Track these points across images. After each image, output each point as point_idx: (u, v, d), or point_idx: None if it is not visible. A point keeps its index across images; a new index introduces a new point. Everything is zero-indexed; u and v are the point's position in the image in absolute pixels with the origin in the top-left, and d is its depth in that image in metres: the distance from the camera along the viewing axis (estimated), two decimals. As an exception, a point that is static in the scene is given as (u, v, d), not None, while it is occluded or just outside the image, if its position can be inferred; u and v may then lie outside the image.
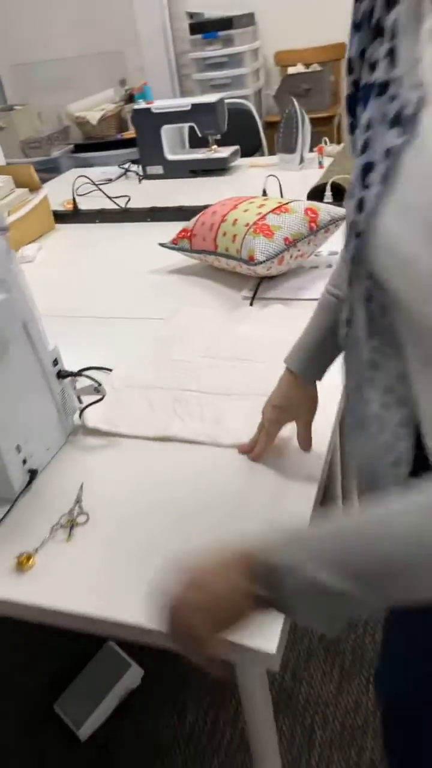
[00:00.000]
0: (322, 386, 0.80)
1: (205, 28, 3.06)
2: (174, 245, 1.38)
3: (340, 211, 1.24)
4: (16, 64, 3.78)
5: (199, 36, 3.08)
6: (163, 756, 1.15)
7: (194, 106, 2.03)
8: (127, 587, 0.65)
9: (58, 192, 2.14)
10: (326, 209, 1.23)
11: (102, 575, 0.67)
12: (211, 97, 2.05)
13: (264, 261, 1.16)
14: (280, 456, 0.80)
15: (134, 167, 2.33)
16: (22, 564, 0.69)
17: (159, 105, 2.08)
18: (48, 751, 1.17)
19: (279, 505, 0.73)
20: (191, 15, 3.17)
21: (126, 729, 1.20)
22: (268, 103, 3.43)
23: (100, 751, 1.17)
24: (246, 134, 2.71)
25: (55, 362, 0.86)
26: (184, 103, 2.05)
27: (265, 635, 0.58)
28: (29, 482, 0.80)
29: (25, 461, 0.80)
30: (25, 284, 0.79)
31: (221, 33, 3.05)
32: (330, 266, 1.29)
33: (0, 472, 0.78)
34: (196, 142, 2.66)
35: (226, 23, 3.03)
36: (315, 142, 2.14)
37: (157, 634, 0.60)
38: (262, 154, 2.61)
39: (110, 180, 2.24)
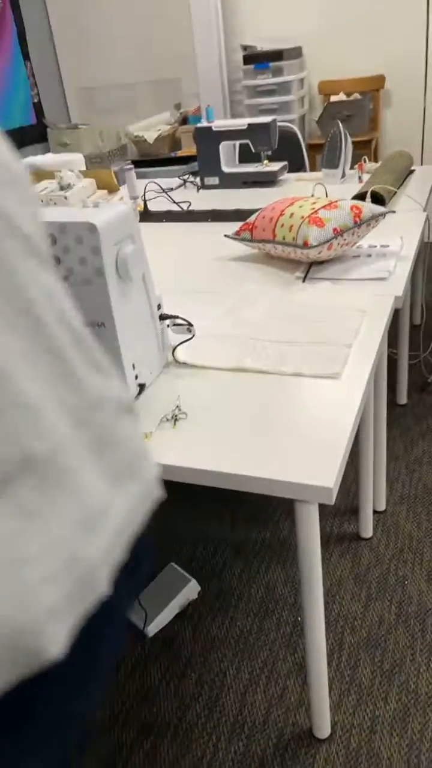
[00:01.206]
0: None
1: (257, 59, 3.39)
2: (237, 236, 1.65)
3: (380, 208, 1.50)
4: (81, 88, 4.16)
5: (251, 66, 3.41)
6: (216, 650, 1.38)
7: (250, 125, 2.32)
8: (225, 455, 0.90)
9: (125, 198, 2.44)
10: (369, 207, 1.49)
11: (204, 448, 0.92)
12: (265, 118, 2.34)
13: (316, 245, 1.42)
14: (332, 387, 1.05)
15: (192, 178, 2.63)
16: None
17: (219, 124, 2.38)
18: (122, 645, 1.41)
19: (321, 424, 0.97)
20: (245, 47, 3.51)
21: (185, 630, 1.43)
22: (310, 127, 3.74)
23: (164, 644, 1.40)
24: (291, 154, 3.00)
25: (159, 306, 1.12)
26: (242, 123, 2.34)
27: (323, 475, 0.83)
28: (139, 393, 1.06)
29: (136, 377, 1.06)
30: (143, 242, 1.06)
31: (272, 64, 3.37)
32: (369, 256, 1.54)
33: (121, 382, 1.04)
34: (244, 158, 2.97)
35: (277, 55, 3.35)
36: (354, 162, 2.41)
37: (248, 482, 0.85)
38: (306, 172, 2.89)
39: (171, 189, 2.54)
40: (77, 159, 2.23)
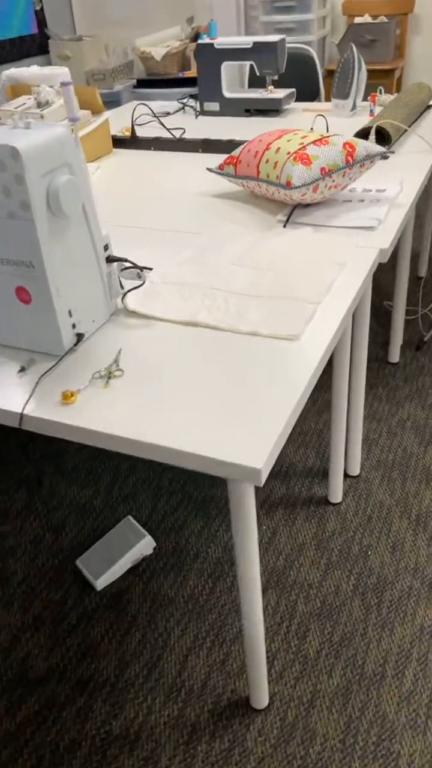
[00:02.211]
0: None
1: (276, -31, 3.07)
2: (221, 170, 1.50)
3: (377, 148, 1.34)
4: (88, -5, 3.84)
5: (269, -23, 3.10)
6: (164, 609, 1.33)
7: (255, 44, 2.10)
8: (152, 423, 0.81)
9: (118, 120, 2.26)
10: (364, 145, 1.33)
11: (131, 413, 0.83)
12: (273, 37, 2.11)
13: (299, 186, 1.27)
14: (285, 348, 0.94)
15: (192, 102, 2.43)
16: (67, 398, 0.85)
17: (222, 41, 2.16)
18: (68, 597, 1.37)
19: (267, 394, 0.87)
20: None
21: (136, 586, 1.39)
22: (331, 51, 3.44)
23: (112, 599, 1.36)
24: (305, 80, 2.76)
25: (106, 247, 1.00)
26: (247, 40, 2.12)
27: (253, 454, 0.74)
28: (76, 343, 0.96)
29: (74, 326, 0.96)
30: (87, 172, 0.93)
31: (292, -25, 3.06)
32: (362, 201, 1.40)
33: (53, 331, 0.94)
34: (256, 84, 2.72)
35: (298, -34, 3.03)
36: (369, 93, 2.20)
37: (174, 456, 0.76)
38: (320, 102, 2.66)
39: (168, 113, 2.34)
40: (62, 73, 2.04)
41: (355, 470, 1.64)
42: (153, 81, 3.43)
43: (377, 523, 1.50)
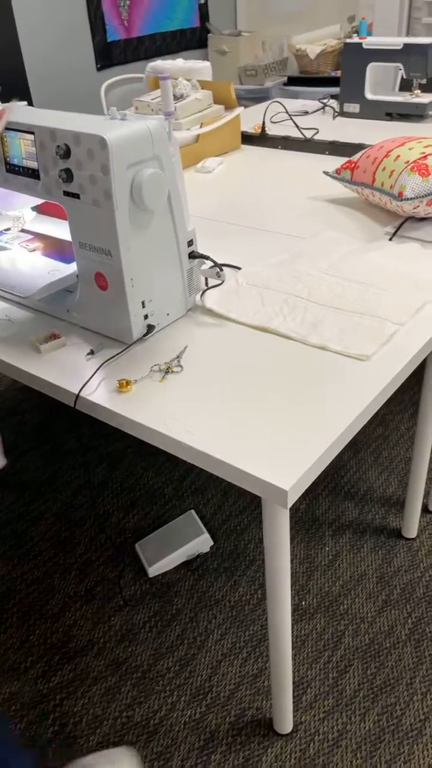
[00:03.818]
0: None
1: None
2: (337, 175, 1.44)
3: None
4: (253, -10, 3.86)
5: (441, -25, 2.93)
6: (208, 609, 1.33)
7: (406, 45, 2.00)
8: (194, 424, 0.80)
9: (255, 116, 2.26)
10: None
11: (178, 411, 0.83)
12: (425, 39, 2.00)
13: (412, 198, 1.19)
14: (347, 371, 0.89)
15: (333, 102, 2.36)
16: (122, 386, 0.87)
17: (371, 41, 2.07)
18: (122, 577, 1.41)
19: (323, 409, 0.82)
20: None
21: (186, 580, 1.39)
22: None
23: (161, 588, 1.38)
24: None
25: (190, 243, 1.00)
26: (397, 41, 2.02)
27: (284, 474, 0.70)
28: (146, 334, 0.97)
29: (146, 316, 0.97)
30: (179, 168, 0.94)
31: (466, -27, 2.86)
32: None
33: (124, 319, 0.96)
34: (408, 87, 2.59)
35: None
36: None
37: (214, 465, 0.75)
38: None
39: (306, 112, 2.30)
40: (203, 67, 2.07)
41: (438, 507, 1.52)
42: (304, 79, 3.39)
43: (451, 569, 1.38)
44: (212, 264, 1.02)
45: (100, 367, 0.92)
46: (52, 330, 1.02)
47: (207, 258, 1.02)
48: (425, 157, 1.23)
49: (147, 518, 1.56)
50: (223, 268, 1.04)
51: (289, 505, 0.70)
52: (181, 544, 1.42)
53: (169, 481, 1.67)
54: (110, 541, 1.50)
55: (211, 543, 1.45)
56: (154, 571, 1.40)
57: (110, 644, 1.28)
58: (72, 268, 1.13)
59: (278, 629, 0.96)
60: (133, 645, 1.28)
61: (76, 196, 0.90)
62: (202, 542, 1.43)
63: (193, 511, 1.50)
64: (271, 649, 0.99)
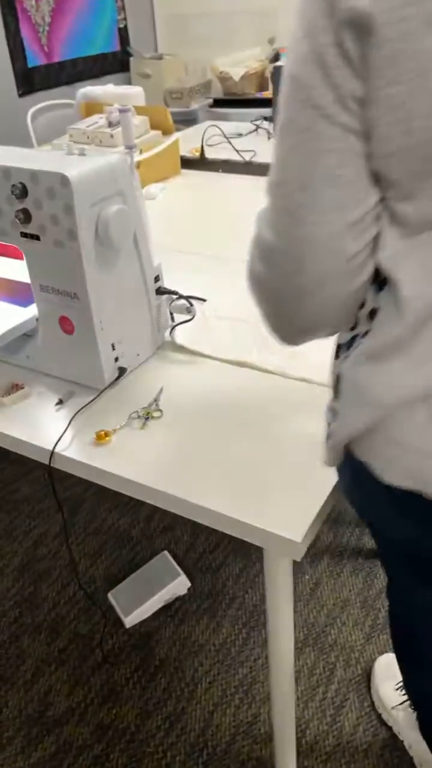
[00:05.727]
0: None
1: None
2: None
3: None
4: (173, 14, 3.88)
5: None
6: (194, 656, 1.26)
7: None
8: (187, 473, 0.75)
9: (189, 140, 2.24)
10: None
11: (166, 461, 0.77)
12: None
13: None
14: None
15: (266, 124, 2.38)
16: (101, 438, 0.80)
17: (300, 64, 2.10)
18: (96, 631, 1.32)
19: (318, 448, 0.79)
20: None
21: (166, 627, 1.32)
22: None
23: (140, 639, 1.30)
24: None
25: (157, 278, 0.95)
26: (325, 64, 2.06)
27: (292, 526, 0.66)
28: (117, 377, 0.92)
29: (117, 359, 0.91)
30: (142, 203, 0.89)
31: None
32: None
33: (94, 364, 0.89)
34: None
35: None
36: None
37: (203, 514, 0.70)
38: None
39: (240, 135, 2.30)
40: (136, 93, 2.04)
41: (411, 523, 1.52)
42: (229, 101, 3.42)
43: None
44: (181, 298, 0.98)
45: (73, 417, 0.85)
46: (13, 380, 0.94)
47: (175, 293, 0.97)
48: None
49: (117, 563, 1.48)
50: (192, 302, 0.99)
51: (301, 556, 0.66)
52: (158, 589, 1.35)
53: (136, 521, 1.60)
54: (81, 592, 1.41)
55: (189, 584, 1.39)
56: (131, 621, 1.32)
57: (92, 707, 1.19)
58: (30, 312, 1.05)
59: (280, 692, 0.91)
60: (117, 705, 1.19)
61: (35, 237, 0.83)
62: (179, 584, 1.37)
63: (166, 552, 1.44)
64: (273, 706, 0.94)
